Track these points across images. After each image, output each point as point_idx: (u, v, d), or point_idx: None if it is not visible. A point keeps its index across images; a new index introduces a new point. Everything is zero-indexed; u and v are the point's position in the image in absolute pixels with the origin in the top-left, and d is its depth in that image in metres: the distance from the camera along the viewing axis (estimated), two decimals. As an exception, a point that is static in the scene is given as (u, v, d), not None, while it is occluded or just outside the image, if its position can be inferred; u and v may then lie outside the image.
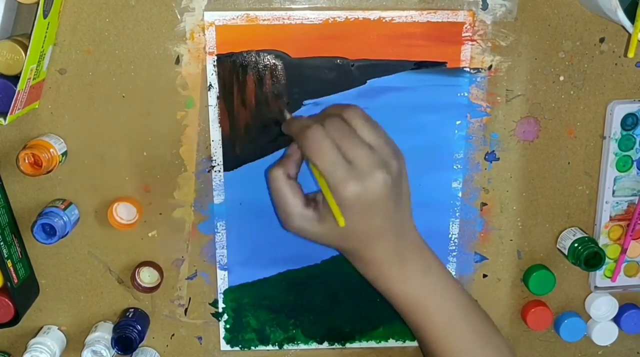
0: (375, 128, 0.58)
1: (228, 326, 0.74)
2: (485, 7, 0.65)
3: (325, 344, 0.75)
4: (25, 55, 0.58)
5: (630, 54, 0.57)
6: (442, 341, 0.61)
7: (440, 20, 0.65)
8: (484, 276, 0.74)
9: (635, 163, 0.71)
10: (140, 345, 0.70)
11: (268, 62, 0.66)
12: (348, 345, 0.75)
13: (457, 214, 0.72)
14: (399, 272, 0.59)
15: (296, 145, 0.61)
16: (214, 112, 0.67)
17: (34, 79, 0.61)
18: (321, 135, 0.56)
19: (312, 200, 0.60)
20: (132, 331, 0.69)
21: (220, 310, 0.73)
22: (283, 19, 0.64)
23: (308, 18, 0.65)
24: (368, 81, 0.67)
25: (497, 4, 0.65)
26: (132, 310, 0.72)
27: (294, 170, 0.61)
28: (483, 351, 0.62)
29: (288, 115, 0.65)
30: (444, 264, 0.63)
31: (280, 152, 0.68)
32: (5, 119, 0.59)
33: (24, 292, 0.69)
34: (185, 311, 0.74)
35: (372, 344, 0.75)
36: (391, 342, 0.75)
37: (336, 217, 0.56)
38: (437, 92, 0.67)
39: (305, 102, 0.67)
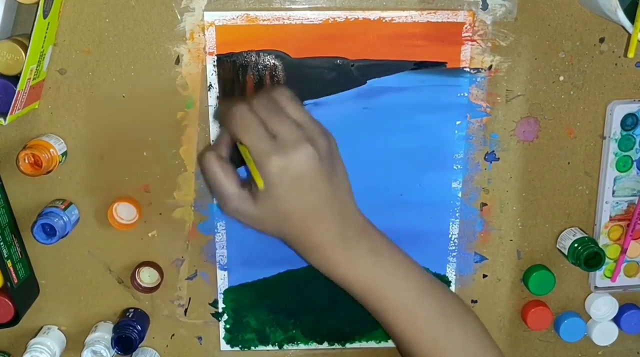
0: (302, 107, 0.58)
1: (228, 326, 0.74)
2: (485, 7, 0.65)
3: (325, 344, 0.75)
4: (25, 55, 0.58)
5: (630, 54, 0.57)
6: (401, 322, 0.58)
7: (440, 21, 0.65)
8: (484, 276, 0.74)
9: (635, 163, 0.71)
10: (140, 345, 0.70)
11: (268, 62, 0.66)
12: (348, 345, 0.75)
13: (457, 214, 0.72)
14: (345, 255, 0.57)
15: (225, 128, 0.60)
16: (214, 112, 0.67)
17: (34, 79, 0.61)
18: (246, 111, 0.55)
19: (247, 183, 0.58)
20: (132, 331, 0.69)
21: (220, 310, 0.73)
22: (283, 19, 0.64)
23: (308, 18, 0.65)
24: (368, 81, 0.67)
25: (497, 4, 0.65)
26: (132, 310, 0.72)
27: (224, 152, 0.59)
28: (447, 328, 0.59)
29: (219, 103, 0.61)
30: (396, 244, 0.60)
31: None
32: (5, 119, 0.59)
33: (24, 292, 0.69)
34: (185, 311, 0.74)
35: (372, 344, 0.75)
36: (391, 343, 0.75)
37: (255, 179, 0.55)
38: (437, 92, 0.67)
39: (305, 102, 0.67)
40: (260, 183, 0.55)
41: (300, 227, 0.57)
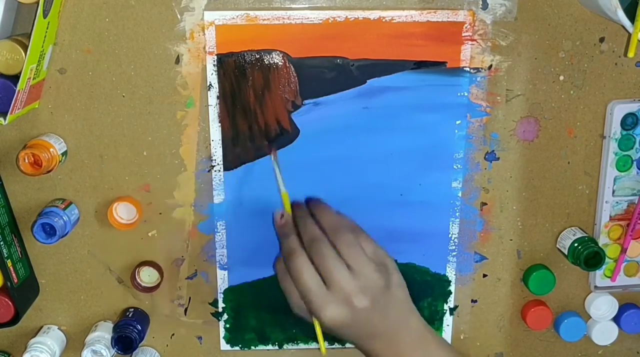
0: (361, 252, 0.60)
1: (228, 326, 0.74)
2: (485, 6, 0.65)
3: (325, 344, 0.75)
4: (25, 54, 0.58)
5: (630, 54, 0.57)
6: None
7: (440, 20, 0.65)
8: (484, 275, 0.74)
9: (635, 163, 0.71)
10: (140, 345, 0.70)
11: (268, 62, 0.66)
12: (348, 345, 0.75)
13: (457, 214, 0.72)
14: None
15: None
16: (214, 112, 0.67)
17: (34, 78, 0.61)
18: (302, 263, 0.59)
19: None
20: (132, 330, 0.69)
21: (220, 310, 0.73)
22: (283, 18, 0.64)
23: (308, 18, 0.65)
24: (368, 81, 0.67)
25: (497, 3, 0.65)
26: (132, 310, 0.72)
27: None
28: None
29: (280, 214, 0.66)
30: (448, 346, 0.64)
31: (280, 152, 0.68)
32: (5, 119, 0.59)
33: (24, 292, 0.69)
34: (185, 310, 0.74)
35: (372, 343, 0.75)
36: (391, 342, 0.75)
37: (320, 345, 0.62)
38: (437, 92, 0.67)
39: (305, 102, 0.67)
40: (322, 349, 0.62)
41: (355, 341, 0.61)
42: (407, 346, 0.61)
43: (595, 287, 0.74)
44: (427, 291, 0.74)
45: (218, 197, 0.70)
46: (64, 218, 0.66)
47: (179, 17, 0.64)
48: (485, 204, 0.72)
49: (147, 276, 0.71)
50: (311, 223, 0.63)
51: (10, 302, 0.67)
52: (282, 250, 0.62)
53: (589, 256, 0.69)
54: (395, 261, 0.71)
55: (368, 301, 0.58)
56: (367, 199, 0.70)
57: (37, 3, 0.57)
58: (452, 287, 0.74)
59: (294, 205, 0.66)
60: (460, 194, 0.71)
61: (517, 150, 0.70)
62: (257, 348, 0.75)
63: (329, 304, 0.58)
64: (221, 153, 0.68)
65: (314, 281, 0.59)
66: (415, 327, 0.62)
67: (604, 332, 0.75)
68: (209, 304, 0.73)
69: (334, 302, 0.58)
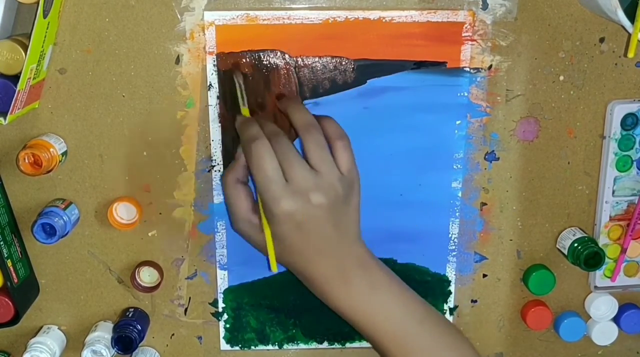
0: (325, 150, 0.59)
1: (228, 326, 0.74)
2: (485, 7, 0.66)
3: (325, 344, 0.75)
4: (25, 54, 0.58)
5: (630, 54, 0.57)
6: (396, 352, 0.60)
7: (440, 20, 0.65)
8: (484, 275, 0.74)
9: (635, 163, 0.71)
10: (140, 345, 0.70)
11: (268, 62, 0.66)
12: (348, 345, 0.75)
13: (457, 214, 0.72)
14: (343, 289, 0.60)
15: None
16: (214, 112, 0.67)
17: (34, 78, 0.61)
18: (264, 150, 0.57)
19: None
20: (132, 330, 0.69)
21: (220, 310, 0.74)
22: (283, 18, 0.64)
23: (308, 18, 0.65)
24: (368, 81, 0.67)
25: (497, 3, 0.65)
26: (132, 310, 0.72)
27: (242, 174, 0.62)
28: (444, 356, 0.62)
29: (242, 114, 0.63)
30: (395, 276, 0.62)
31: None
32: (5, 119, 0.59)
33: (24, 292, 0.69)
34: (185, 310, 0.74)
35: (372, 343, 0.76)
36: (391, 342, 0.75)
37: (270, 262, 0.59)
38: (437, 92, 0.67)
39: (306, 102, 0.67)
40: (273, 267, 0.58)
41: (300, 261, 0.59)
42: (352, 270, 0.60)
43: (595, 287, 0.74)
44: (427, 291, 0.74)
45: (218, 197, 0.70)
46: (64, 218, 0.66)
47: (179, 17, 0.64)
48: (485, 204, 0.72)
49: (147, 276, 0.71)
50: (273, 122, 0.61)
51: (10, 302, 0.67)
52: (242, 139, 0.59)
53: (588, 256, 0.69)
54: (395, 260, 0.71)
55: (325, 200, 0.57)
56: (367, 199, 0.70)
57: (37, 3, 0.57)
58: (452, 287, 0.74)
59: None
60: (460, 194, 0.71)
61: (517, 150, 0.70)
62: (257, 348, 0.75)
63: (286, 197, 0.56)
64: (221, 153, 0.68)
65: (275, 170, 0.56)
66: (360, 251, 0.61)
67: (604, 332, 0.75)
68: (209, 304, 0.73)
69: (291, 195, 0.56)
